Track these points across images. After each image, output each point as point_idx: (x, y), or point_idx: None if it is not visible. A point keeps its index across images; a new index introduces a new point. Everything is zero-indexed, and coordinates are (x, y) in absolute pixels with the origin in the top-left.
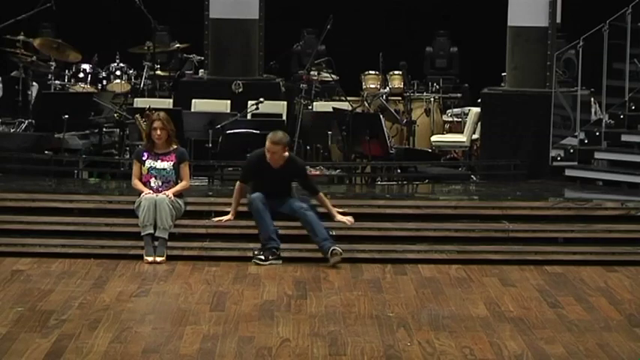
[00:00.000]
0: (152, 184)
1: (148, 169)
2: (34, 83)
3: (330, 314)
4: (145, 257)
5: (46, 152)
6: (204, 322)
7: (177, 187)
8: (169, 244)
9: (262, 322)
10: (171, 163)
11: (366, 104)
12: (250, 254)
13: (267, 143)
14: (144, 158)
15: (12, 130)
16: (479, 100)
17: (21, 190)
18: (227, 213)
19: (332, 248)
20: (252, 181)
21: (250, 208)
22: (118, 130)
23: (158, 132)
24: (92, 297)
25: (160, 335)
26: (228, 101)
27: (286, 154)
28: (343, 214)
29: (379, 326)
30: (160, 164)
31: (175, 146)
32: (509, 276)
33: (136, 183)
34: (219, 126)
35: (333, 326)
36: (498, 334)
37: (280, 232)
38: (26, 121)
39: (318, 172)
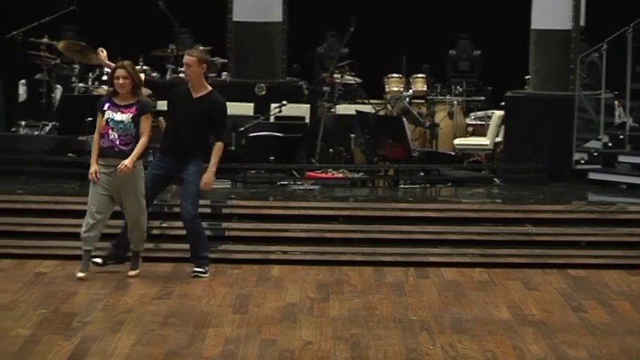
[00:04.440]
0: (110, 136)
1: (107, 120)
2: (58, 86)
3: (353, 317)
4: (79, 273)
5: (70, 155)
6: (227, 325)
7: (136, 151)
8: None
9: (285, 325)
10: (131, 115)
11: (389, 107)
12: (273, 257)
13: (186, 56)
14: (104, 108)
15: (36, 133)
16: (502, 103)
17: (44, 192)
18: (250, 216)
19: (195, 271)
20: (167, 108)
21: (191, 225)
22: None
23: (121, 81)
24: (115, 299)
25: (183, 338)
26: (251, 104)
27: (208, 86)
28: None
29: (402, 329)
30: (118, 116)
31: (139, 98)
32: (533, 279)
33: (95, 142)
34: (242, 129)
35: (355, 329)
36: (521, 338)
37: (301, 235)
38: (50, 124)
39: (341, 175)
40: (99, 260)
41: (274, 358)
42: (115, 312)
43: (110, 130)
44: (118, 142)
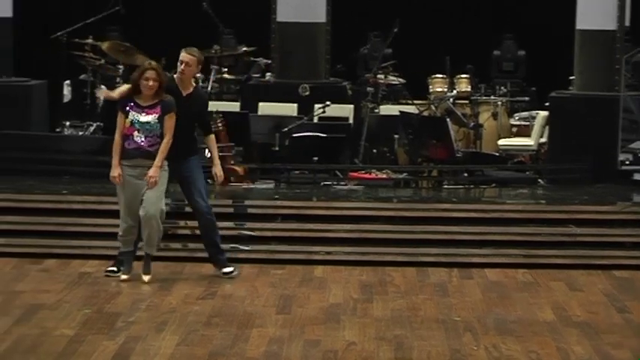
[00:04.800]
0: (135, 138)
1: (131, 121)
2: (102, 86)
3: (396, 318)
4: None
5: None
6: (270, 325)
7: (161, 155)
8: (234, 246)
9: (328, 326)
10: (156, 116)
11: (433, 108)
12: (317, 257)
13: (182, 53)
14: (127, 109)
15: (80, 133)
16: (546, 104)
17: (88, 192)
18: (293, 216)
19: (224, 270)
20: None
21: (209, 219)
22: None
23: (151, 83)
24: (159, 299)
25: (226, 338)
26: (295, 104)
27: (193, 83)
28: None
29: (445, 330)
30: (143, 117)
31: (161, 98)
32: (577, 280)
33: (116, 144)
34: (285, 129)
35: (399, 330)
36: (565, 339)
37: (345, 235)
38: (94, 124)
39: (384, 176)
40: (114, 268)
41: (317, 359)
42: (158, 312)
43: (136, 132)
44: (144, 144)
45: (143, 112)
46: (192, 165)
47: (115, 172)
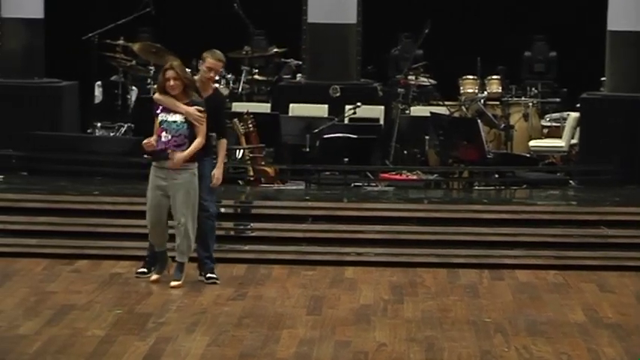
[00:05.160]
0: (163, 138)
1: (160, 122)
2: (134, 87)
3: (427, 319)
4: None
5: (145, 156)
6: (301, 326)
7: (192, 148)
8: (265, 247)
9: (359, 327)
10: (184, 116)
11: (464, 109)
12: (347, 258)
13: (210, 60)
14: (157, 112)
15: (111, 134)
16: (577, 105)
17: (120, 193)
18: (324, 217)
19: (209, 275)
20: None
21: (214, 223)
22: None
23: (171, 82)
24: (190, 300)
25: (257, 339)
26: (326, 105)
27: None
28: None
29: (476, 331)
30: (171, 117)
31: (191, 98)
32: (608, 282)
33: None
34: (316, 130)
35: (429, 331)
36: (596, 341)
37: (375, 236)
38: (125, 125)
39: (415, 177)
40: (144, 270)
41: None
42: (189, 313)
43: (164, 132)
44: (170, 144)
45: (171, 112)
46: (206, 167)
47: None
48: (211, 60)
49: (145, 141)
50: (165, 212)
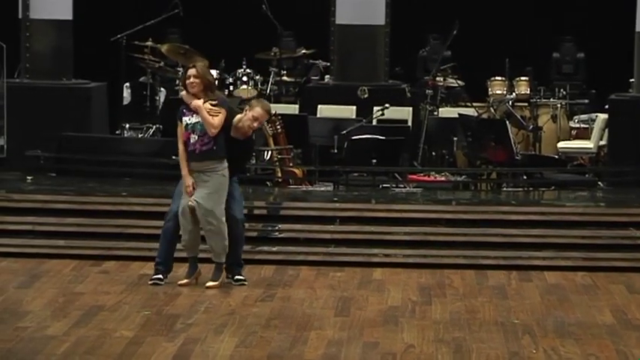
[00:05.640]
0: (192, 140)
1: (185, 126)
2: (162, 89)
3: (455, 320)
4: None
5: (173, 157)
6: (329, 328)
7: (205, 114)
8: (293, 248)
9: (387, 328)
10: None
11: (492, 110)
12: (375, 259)
13: (258, 110)
14: (184, 118)
15: (140, 136)
16: (606, 107)
17: (148, 194)
18: (352, 219)
19: (237, 277)
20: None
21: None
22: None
23: (191, 79)
24: (218, 301)
25: (285, 340)
26: (354, 107)
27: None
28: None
29: (504, 333)
30: (194, 118)
31: (214, 99)
32: (636, 283)
33: (181, 154)
34: (344, 132)
35: (457, 332)
36: (625, 342)
37: (404, 238)
38: (154, 127)
39: (443, 178)
40: (160, 276)
41: None
42: (217, 314)
43: (191, 134)
44: (198, 146)
45: (194, 113)
46: (233, 186)
47: (189, 180)
48: (260, 110)
49: (187, 185)
50: (195, 219)
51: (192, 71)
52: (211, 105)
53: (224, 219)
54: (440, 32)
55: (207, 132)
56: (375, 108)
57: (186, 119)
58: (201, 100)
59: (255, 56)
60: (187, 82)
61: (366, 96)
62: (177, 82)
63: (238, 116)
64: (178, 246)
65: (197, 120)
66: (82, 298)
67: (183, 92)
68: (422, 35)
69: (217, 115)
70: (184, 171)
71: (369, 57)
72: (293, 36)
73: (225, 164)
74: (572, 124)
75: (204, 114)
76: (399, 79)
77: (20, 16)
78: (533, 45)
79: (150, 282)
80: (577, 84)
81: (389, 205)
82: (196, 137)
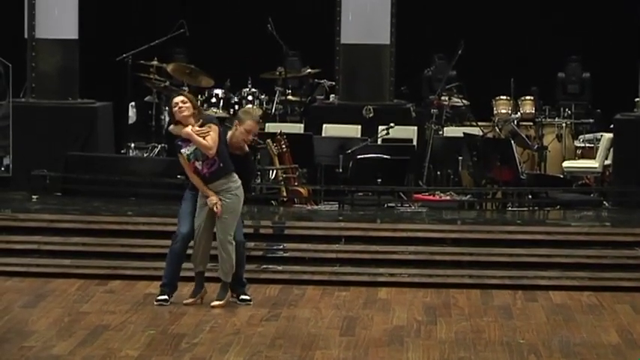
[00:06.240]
0: (198, 168)
1: (187, 157)
2: (167, 108)
3: (460, 340)
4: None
5: (179, 177)
6: (334, 347)
7: (196, 138)
8: (298, 268)
9: (392, 348)
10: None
11: (497, 129)
12: (381, 279)
13: (250, 123)
14: (182, 150)
15: (145, 155)
16: (611, 126)
17: (153, 214)
18: (357, 238)
19: (242, 297)
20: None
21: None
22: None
23: (180, 105)
24: (223, 321)
25: (290, 359)
26: (359, 126)
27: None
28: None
29: (510, 353)
30: (192, 146)
31: (202, 118)
32: None
33: (196, 181)
34: (349, 151)
35: (463, 352)
36: None
37: (409, 257)
38: (159, 146)
39: (448, 198)
40: (166, 297)
41: None
42: (223, 333)
43: (196, 163)
44: (205, 169)
45: (189, 142)
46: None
47: (214, 198)
48: (251, 122)
49: (214, 202)
50: (209, 235)
51: (178, 98)
52: (199, 127)
53: (232, 239)
54: (445, 52)
55: (206, 155)
56: (380, 127)
57: (184, 151)
58: (189, 127)
59: (261, 76)
60: (176, 109)
61: (371, 115)
62: None
63: (230, 132)
64: (184, 266)
65: (194, 147)
66: (87, 317)
67: (171, 126)
68: (427, 55)
69: (208, 135)
70: (208, 192)
71: (374, 76)
72: (298, 55)
73: (237, 179)
74: (577, 143)
75: (196, 138)
76: (405, 99)
77: (26, 36)
78: (539, 65)
79: (155, 303)
80: (582, 104)
81: (394, 224)
82: (201, 163)
